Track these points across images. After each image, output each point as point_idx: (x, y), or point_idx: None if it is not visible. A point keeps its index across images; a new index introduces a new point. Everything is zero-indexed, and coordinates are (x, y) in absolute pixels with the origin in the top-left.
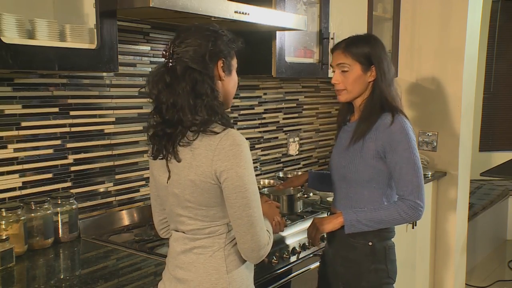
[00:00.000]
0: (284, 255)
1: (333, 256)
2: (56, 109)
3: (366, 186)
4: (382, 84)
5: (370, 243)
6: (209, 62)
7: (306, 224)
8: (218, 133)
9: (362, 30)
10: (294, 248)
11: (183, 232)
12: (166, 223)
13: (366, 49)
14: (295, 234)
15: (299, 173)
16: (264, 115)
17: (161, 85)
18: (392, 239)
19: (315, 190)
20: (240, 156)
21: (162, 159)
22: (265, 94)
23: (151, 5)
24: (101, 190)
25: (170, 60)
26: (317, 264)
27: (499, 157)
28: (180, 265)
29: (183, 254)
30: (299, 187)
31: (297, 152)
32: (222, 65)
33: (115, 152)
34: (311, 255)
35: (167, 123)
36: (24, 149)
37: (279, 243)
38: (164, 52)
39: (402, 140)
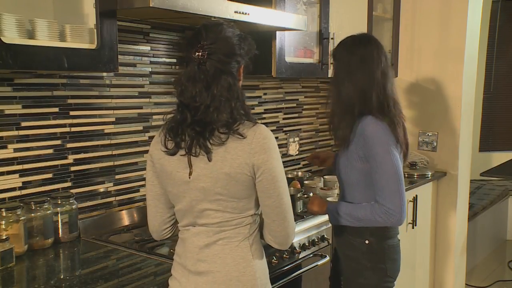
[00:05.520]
0: (284, 255)
1: (336, 252)
2: (56, 109)
3: (356, 188)
4: (348, 86)
5: (367, 242)
6: (237, 65)
7: (306, 224)
8: (245, 136)
9: (362, 30)
10: (294, 248)
11: (205, 226)
12: (172, 221)
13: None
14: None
15: (299, 173)
16: (264, 115)
17: (199, 87)
18: (395, 238)
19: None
20: (273, 148)
21: (183, 155)
22: (265, 94)
23: (151, 5)
24: (101, 190)
25: (202, 62)
26: (316, 264)
27: (499, 157)
28: (203, 258)
29: (206, 247)
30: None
31: (297, 152)
32: (242, 69)
33: (115, 152)
34: (311, 255)
35: (198, 122)
36: (24, 149)
37: None
38: (196, 53)
39: (374, 144)
